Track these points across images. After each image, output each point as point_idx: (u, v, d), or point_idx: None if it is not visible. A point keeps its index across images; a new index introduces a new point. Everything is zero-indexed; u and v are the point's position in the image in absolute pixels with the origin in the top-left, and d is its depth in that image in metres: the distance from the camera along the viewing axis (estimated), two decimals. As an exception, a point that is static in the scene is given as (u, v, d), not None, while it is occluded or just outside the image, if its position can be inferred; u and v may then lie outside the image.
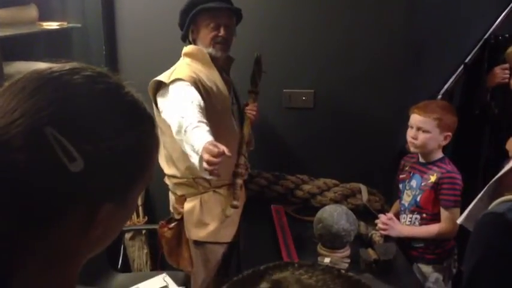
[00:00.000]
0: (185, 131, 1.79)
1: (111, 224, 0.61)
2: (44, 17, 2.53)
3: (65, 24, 2.55)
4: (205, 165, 1.64)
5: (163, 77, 2.01)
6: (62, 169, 0.52)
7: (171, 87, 1.96)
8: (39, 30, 2.46)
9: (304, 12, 2.62)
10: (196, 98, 1.90)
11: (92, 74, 0.60)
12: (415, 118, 2.11)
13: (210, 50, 2.10)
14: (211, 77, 2.09)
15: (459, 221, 1.73)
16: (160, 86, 2.01)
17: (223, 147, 1.62)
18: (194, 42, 2.14)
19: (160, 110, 1.99)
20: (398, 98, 2.65)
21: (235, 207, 2.02)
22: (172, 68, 2.07)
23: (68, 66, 0.60)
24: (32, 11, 2.51)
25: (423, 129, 2.08)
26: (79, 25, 2.58)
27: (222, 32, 2.08)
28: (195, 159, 1.77)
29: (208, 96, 2.01)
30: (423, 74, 2.73)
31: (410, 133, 2.13)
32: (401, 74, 2.69)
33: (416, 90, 2.67)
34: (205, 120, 1.82)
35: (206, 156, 1.62)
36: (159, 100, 2.01)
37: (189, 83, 1.95)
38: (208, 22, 2.07)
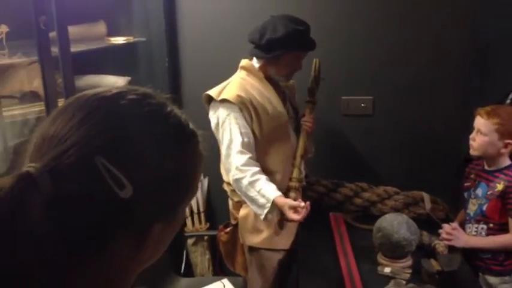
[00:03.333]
0: (233, 181, 2.02)
1: (160, 243, 0.62)
2: (112, 32, 2.69)
3: (131, 38, 2.69)
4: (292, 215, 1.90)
5: (215, 91, 2.08)
6: (112, 197, 0.54)
7: (220, 109, 2.05)
8: (107, 45, 2.61)
9: (361, 17, 2.61)
10: (245, 131, 2.03)
11: (136, 97, 0.61)
12: (477, 120, 2.06)
13: (279, 78, 2.15)
14: (266, 92, 2.12)
15: None
16: (212, 99, 2.09)
17: (302, 204, 1.91)
18: (266, 64, 2.13)
19: (212, 123, 2.09)
20: (462, 102, 2.56)
21: (288, 220, 2.04)
22: (226, 82, 2.13)
23: (114, 90, 0.61)
24: (101, 28, 2.66)
25: (481, 131, 2.02)
26: (144, 39, 2.71)
27: (300, 66, 2.15)
28: (259, 211, 1.99)
29: (259, 115, 2.07)
30: (489, 77, 2.61)
31: (472, 134, 2.09)
32: (465, 77, 2.60)
33: (481, 94, 2.56)
34: (258, 169, 2.02)
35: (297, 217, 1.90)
36: (210, 113, 2.10)
37: (237, 106, 2.02)
38: (293, 62, 2.11)
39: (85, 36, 2.55)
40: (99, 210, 0.54)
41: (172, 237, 0.66)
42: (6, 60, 1.93)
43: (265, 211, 1.96)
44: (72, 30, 2.34)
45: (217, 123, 2.06)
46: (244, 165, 1.98)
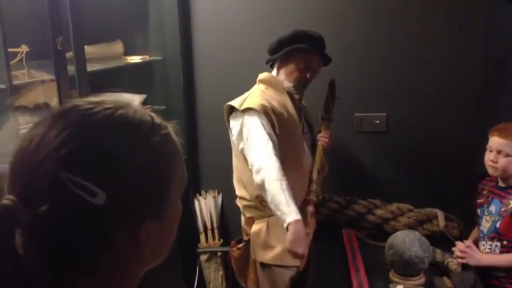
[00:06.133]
0: (265, 180, 1.94)
1: (159, 238, 0.62)
2: (129, 51, 2.76)
3: (147, 57, 2.76)
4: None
5: (236, 102, 2.11)
6: (87, 206, 0.54)
7: (245, 117, 2.05)
8: (124, 64, 2.68)
9: (375, 34, 2.62)
10: (271, 136, 2.01)
11: (90, 106, 0.61)
12: (495, 141, 2.02)
13: (289, 85, 2.16)
14: (283, 102, 2.14)
15: None
16: (233, 110, 2.11)
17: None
18: (278, 69, 2.18)
19: (232, 133, 2.10)
20: (476, 119, 2.54)
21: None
22: (246, 94, 2.16)
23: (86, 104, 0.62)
24: (118, 47, 2.73)
25: (504, 152, 1.98)
26: (159, 58, 2.78)
27: (308, 76, 2.14)
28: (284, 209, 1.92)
29: (279, 122, 2.08)
30: (504, 94, 2.60)
31: (489, 156, 2.04)
32: (480, 94, 2.58)
33: (496, 110, 2.54)
34: (283, 177, 1.94)
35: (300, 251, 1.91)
36: (232, 123, 2.12)
37: (261, 113, 2.03)
38: (300, 61, 2.12)
39: (103, 55, 2.62)
40: (79, 222, 0.55)
41: (172, 238, 0.67)
42: (25, 79, 1.99)
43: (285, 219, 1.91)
44: (91, 49, 2.42)
45: (241, 131, 2.06)
46: (281, 169, 1.95)
